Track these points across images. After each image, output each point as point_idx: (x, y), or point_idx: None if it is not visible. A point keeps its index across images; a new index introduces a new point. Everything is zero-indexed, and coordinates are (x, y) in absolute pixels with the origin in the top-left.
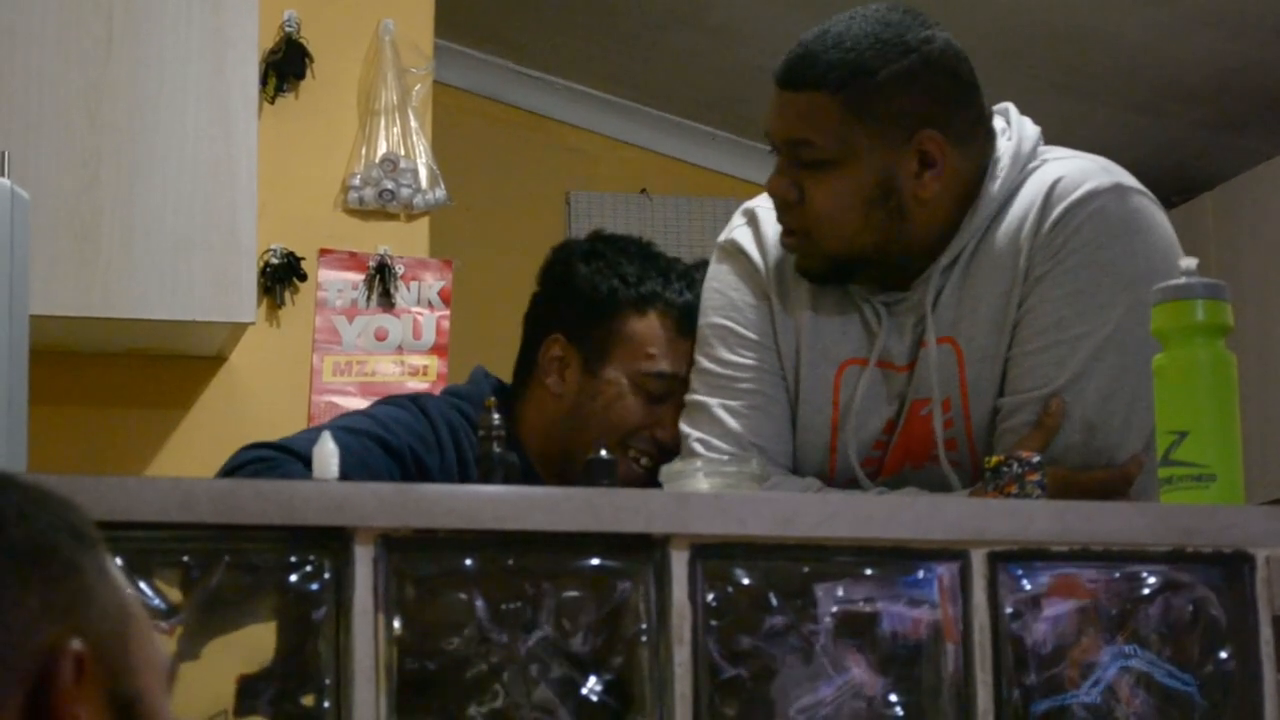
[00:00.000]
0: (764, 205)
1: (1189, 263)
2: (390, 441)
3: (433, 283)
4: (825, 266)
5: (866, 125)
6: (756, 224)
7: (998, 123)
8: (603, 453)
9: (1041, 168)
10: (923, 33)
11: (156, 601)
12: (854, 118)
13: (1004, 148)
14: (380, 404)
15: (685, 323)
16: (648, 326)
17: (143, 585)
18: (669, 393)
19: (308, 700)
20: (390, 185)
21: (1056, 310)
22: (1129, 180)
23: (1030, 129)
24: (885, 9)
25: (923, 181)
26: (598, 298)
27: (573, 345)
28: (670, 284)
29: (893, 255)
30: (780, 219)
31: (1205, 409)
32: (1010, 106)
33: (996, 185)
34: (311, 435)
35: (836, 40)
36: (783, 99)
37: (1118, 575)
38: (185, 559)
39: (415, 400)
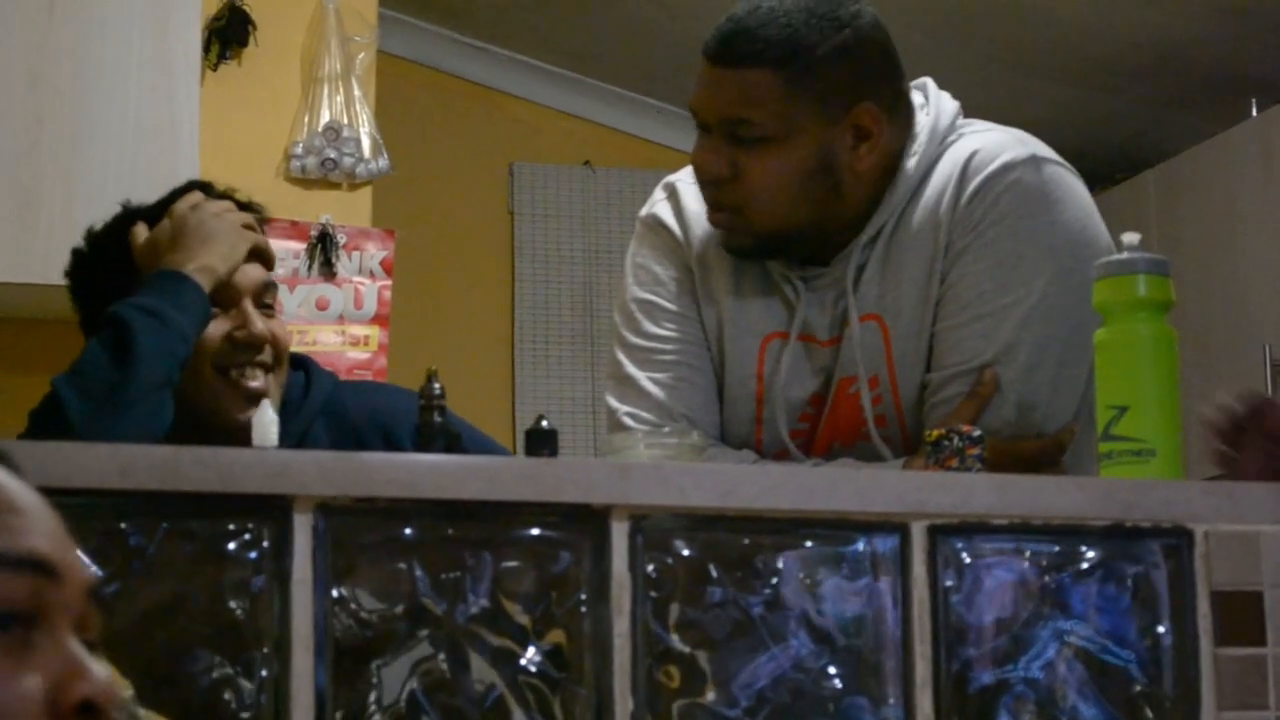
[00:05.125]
0: (685, 179)
1: (1131, 238)
2: None
3: (375, 252)
4: (754, 244)
5: (807, 101)
6: (677, 198)
7: (916, 97)
8: (543, 423)
9: (958, 141)
10: (852, 7)
11: (93, 569)
12: (795, 93)
13: (922, 122)
14: None
15: None
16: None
17: (79, 552)
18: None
19: (245, 669)
20: (333, 154)
21: (979, 284)
22: (1044, 151)
23: (948, 103)
24: None
25: (859, 154)
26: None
27: None
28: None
29: (823, 231)
30: (709, 195)
31: (1146, 384)
32: (929, 81)
33: (914, 161)
34: None
35: (770, 15)
36: (717, 75)
37: (1057, 549)
38: (123, 526)
39: None
